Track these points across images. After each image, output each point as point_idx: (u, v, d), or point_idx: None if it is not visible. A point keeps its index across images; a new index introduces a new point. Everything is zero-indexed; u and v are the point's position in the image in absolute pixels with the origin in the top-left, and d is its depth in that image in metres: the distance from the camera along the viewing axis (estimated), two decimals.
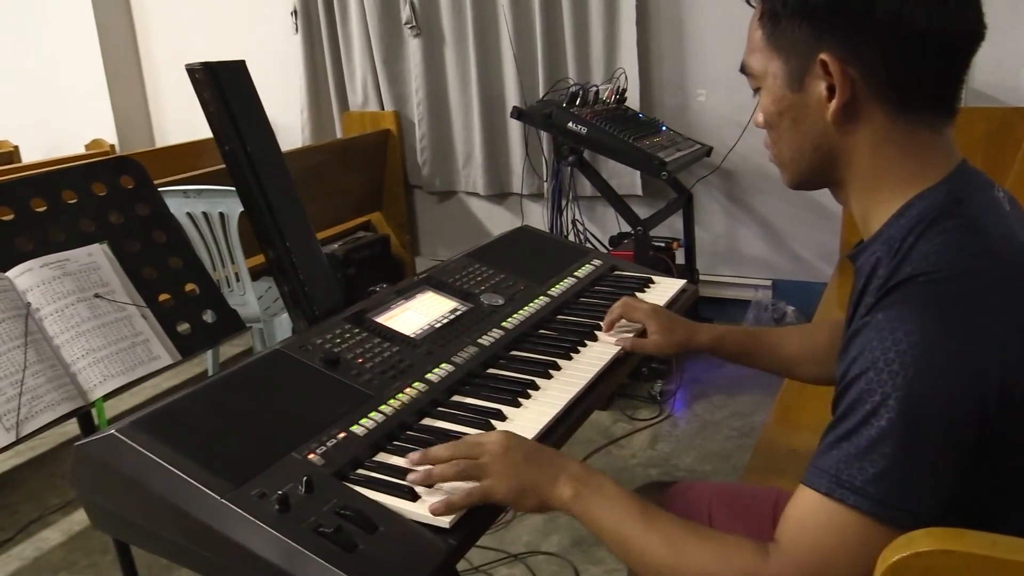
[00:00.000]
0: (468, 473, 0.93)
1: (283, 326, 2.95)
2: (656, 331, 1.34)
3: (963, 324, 0.75)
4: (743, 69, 0.94)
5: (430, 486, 0.93)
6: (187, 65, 1.29)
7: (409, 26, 3.96)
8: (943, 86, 0.85)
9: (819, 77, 0.85)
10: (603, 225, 3.81)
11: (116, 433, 0.92)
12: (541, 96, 3.54)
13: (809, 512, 0.79)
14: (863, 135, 0.86)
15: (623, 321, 1.39)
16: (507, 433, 0.99)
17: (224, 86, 1.28)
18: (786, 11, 0.86)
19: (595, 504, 0.91)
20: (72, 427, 1.45)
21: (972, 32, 0.84)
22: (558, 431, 1.12)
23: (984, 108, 2.92)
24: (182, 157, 3.97)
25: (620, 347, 1.34)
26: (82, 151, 4.63)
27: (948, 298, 0.76)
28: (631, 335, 1.37)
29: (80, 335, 1.31)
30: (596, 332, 1.40)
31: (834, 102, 0.85)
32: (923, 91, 0.85)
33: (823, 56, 0.83)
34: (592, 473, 0.95)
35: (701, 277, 3.62)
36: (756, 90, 0.94)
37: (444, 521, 0.88)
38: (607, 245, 3.51)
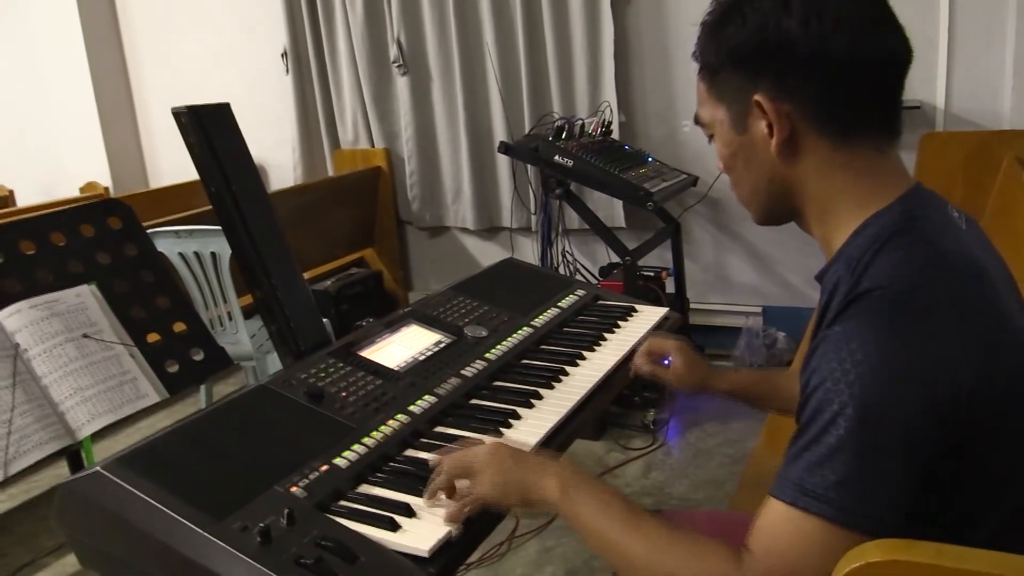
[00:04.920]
0: (459, 476, 0.99)
1: (276, 363, 2.93)
2: (679, 364, 1.37)
3: (917, 335, 0.77)
4: (696, 121, 1.00)
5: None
6: (173, 109, 1.32)
7: (396, 64, 4.02)
8: (879, 110, 0.90)
9: (758, 117, 0.90)
10: (593, 257, 3.84)
11: (101, 470, 0.94)
12: (527, 131, 3.59)
13: (777, 521, 0.81)
14: (809, 164, 0.90)
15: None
16: (497, 441, 1.05)
17: (209, 128, 1.32)
18: (719, 61, 0.92)
19: (582, 503, 0.94)
20: (65, 469, 1.46)
21: (898, 57, 0.88)
22: None
23: (962, 132, 2.96)
24: (175, 198, 4.01)
25: (637, 372, 1.38)
26: (77, 194, 4.66)
27: (903, 310, 0.79)
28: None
29: (68, 374, 1.33)
30: (579, 361, 1.42)
31: (775, 138, 0.89)
32: (859, 117, 0.89)
33: (757, 97, 0.89)
34: (581, 474, 0.98)
35: (692, 305, 3.64)
36: (710, 137, 0.99)
37: (423, 550, 0.89)
38: (598, 276, 3.54)
